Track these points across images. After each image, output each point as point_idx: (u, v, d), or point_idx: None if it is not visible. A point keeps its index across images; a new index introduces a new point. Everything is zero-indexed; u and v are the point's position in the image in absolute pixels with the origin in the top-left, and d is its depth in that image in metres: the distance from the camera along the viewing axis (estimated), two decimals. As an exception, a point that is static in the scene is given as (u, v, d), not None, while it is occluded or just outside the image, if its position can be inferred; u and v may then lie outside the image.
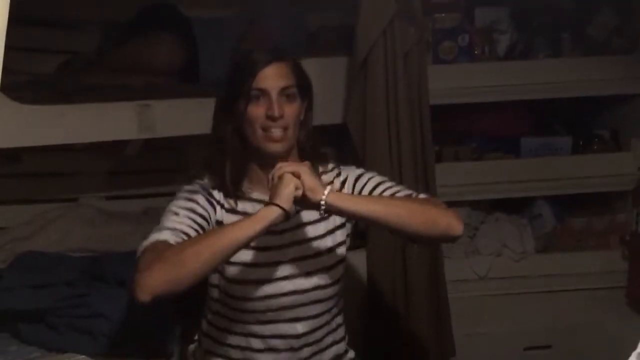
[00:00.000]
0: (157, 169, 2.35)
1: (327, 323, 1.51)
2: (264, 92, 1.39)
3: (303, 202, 1.30)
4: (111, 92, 1.93)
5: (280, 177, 1.29)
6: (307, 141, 1.47)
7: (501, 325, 2.35)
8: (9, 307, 1.82)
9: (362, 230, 1.96)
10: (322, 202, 1.28)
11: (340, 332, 1.57)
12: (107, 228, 2.25)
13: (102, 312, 1.81)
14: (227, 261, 1.36)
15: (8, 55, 0.84)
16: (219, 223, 1.43)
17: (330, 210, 1.30)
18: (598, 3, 2.42)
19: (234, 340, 1.48)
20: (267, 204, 1.28)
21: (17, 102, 1.72)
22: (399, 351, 2.06)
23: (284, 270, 1.45)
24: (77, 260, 2.09)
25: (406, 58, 2.01)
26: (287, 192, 1.26)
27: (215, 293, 1.49)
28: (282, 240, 1.46)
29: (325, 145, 1.66)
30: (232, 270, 1.44)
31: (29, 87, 1.94)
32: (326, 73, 1.99)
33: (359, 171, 1.52)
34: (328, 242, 1.48)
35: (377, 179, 1.49)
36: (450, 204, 2.33)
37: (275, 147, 1.40)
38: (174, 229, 1.32)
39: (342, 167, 1.53)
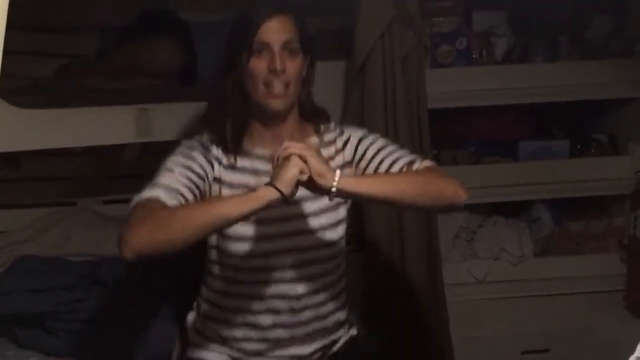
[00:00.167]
0: (155, 172, 2.34)
1: (329, 286, 1.48)
2: (266, 46, 1.37)
3: (311, 186, 1.25)
4: (110, 96, 1.93)
5: (286, 159, 1.23)
6: (309, 99, 1.46)
7: (499, 329, 2.35)
8: (7, 312, 1.81)
9: (359, 231, 1.96)
10: (333, 189, 1.24)
11: (342, 299, 1.53)
12: (105, 232, 2.25)
13: (100, 317, 1.81)
14: (216, 232, 1.34)
15: (6, 59, 0.84)
16: (217, 180, 1.41)
17: (340, 195, 1.26)
18: (595, 7, 2.42)
19: (233, 302, 1.46)
20: (267, 184, 1.23)
21: (15, 106, 1.72)
22: (397, 355, 2.06)
23: (284, 226, 1.42)
24: (76, 265, 2.09)
25: (404, 62, 2.01)
26: (290, 176, 1.21)
27: (214, 254, 1.46)
28: None
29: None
30: (231, 228, 1.39)
31: (28, 91, 1.94)
32: (324, 77, 1.99)
33: (362, 132, 1.50)
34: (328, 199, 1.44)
35: (380, 142, 1.47)
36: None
37: (277, 104, 1.39)
38: (167, 187, 1.30)
39: (344, 126, 1.52)
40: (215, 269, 1.48)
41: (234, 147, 1.41)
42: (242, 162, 1.43)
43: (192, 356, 1.53)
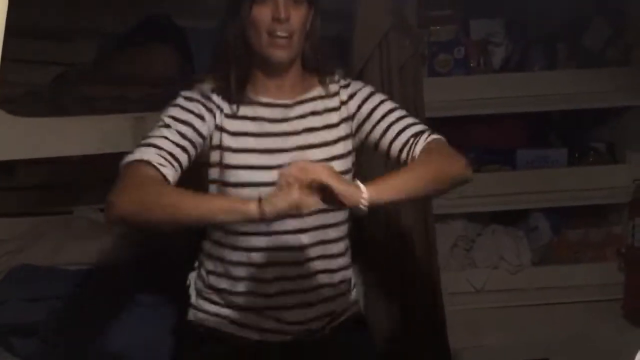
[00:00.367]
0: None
1: (333, 241, 1.44)
2: None
3: (339, 206, 1.22)
4: (107, 104, 1.93)
5: (288, 185, 1.17)
6: (313, 52, 1.43)
7: (498, 338, 2.34)
8: (2, 321, 1.80)
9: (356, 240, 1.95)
10: (363, 207, 1.22)
11: (347, 258, 1.50)
12: (101, 240, 2.24)
13: (96, 326, 1.80)
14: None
15: (3, 67, 0.83)
16: (219, 128, 1.39)
17: (372, 207, 1.23)
18: (592, 15, 2.43)
19: (236, 255, 1.42)
20: (258, 201, 1.19)
21: (12, 114, 1.71)
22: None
23: (286, 158, 1.37)
24: (71, 274, 2.07)
25: (401, 70, 2.01)
26: (281, 207, 1.17)
27: None
28: (285, 128, 1.41)
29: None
30: (233, 176, 1.37)
31: (25, 99, 1.94)
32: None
33: (368, 90, 1.48)
34: (332, 135, 1.43)
35: (387, 105, 1.44)
36: (447, 217, 2.37)
37: (280, 54, 1.37)
38: (161, 149, 1.29)
39: (352, 80, 1.50)
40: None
41: (237, 95, 1.40)
42: (244, 110, 1.41)
43: (192, 320, 1.49)
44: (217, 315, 1.46)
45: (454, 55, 2.37)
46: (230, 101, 1.40)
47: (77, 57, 2.29)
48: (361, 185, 1.23)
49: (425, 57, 2.30)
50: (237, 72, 1.39)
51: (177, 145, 1.32)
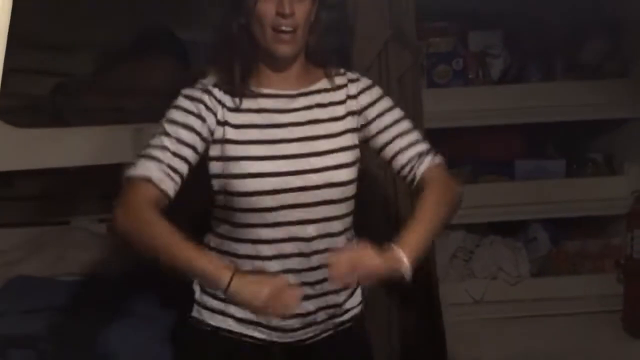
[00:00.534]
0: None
1: (338, 233, 1.43)
2: None
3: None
4: (107, 115, 1.93)
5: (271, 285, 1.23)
6: (317, 44, 1.43)
7: (497, 349, 2.33)
8: (0, 332, 1.79)
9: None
10: (408, 275, 1.32)
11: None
12: (99, 251, 2.24)
13: (94, 338, 1.79)
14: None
15: (3, 78, 0.83)
16: (223, 123, 1.38)
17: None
18: (590, 28, 2.44)
19: (241, 248, 1.41)
20: (233, 273, 1.24)
21: (12, 125, 1.71)
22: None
23: (294, 163, 1.37)
24: (69, 285, 2.07)
25: (401, 82, 2.02)
26: (245, 298, 1.23)
27: (221, 198, 1.42)
28: (290, 119, 1.41)
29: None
30: (238, 167, 1.37)
31: (24, 110, 1.94)
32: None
33: (379, 92, 1.48)
34: (338, 127, 1.43)
35: (394, 114, 1.47)
36: (446, 227, 2.37)
37: (284, 49, 1.37)
38: (160, 162, 1.32)
39: (360, 75, 1.50)
40: (222, 213, 1.44)
41: (240, 88, 1.39)
42: (247, 102, 1.40)
43: (196, 318, 1.47)
44: (221, 312, 1.45)
45: (453, 67, 2.38)
46: (233, 94, 1.40)
47: (77, 68, 2.29)
48: (403, 258, 1.31)
49: (424, 68, 2.31)
50: (240, 64, 1.39)
51: (177, 155, 1.34)
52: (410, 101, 2.05)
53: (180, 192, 1.35)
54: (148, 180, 1.31)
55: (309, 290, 1.41)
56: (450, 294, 2.25)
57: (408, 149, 1.45)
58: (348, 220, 1.46)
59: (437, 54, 2.36)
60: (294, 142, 1.40)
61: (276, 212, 1.37)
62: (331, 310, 1.47)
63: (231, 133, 1.39)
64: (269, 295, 1.23)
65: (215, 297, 1.45)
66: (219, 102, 1.39)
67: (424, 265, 2.08)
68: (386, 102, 1.49)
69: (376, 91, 1.49)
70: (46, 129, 1.80)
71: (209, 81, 1.41)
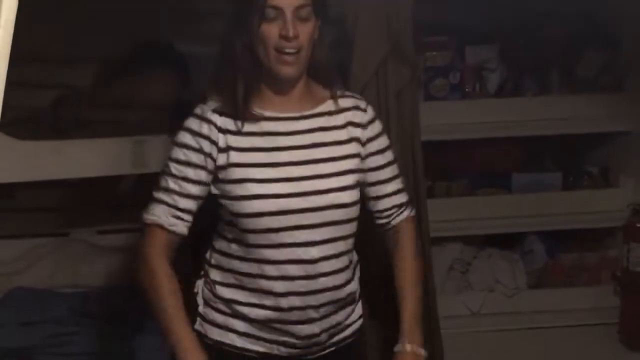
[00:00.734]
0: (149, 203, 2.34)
1: (342, 254, 1.44)
2: (278, 10, 1.34)
3: None
4: (106, 127, 1.94)
5: None
6: (321, 61, 1.44)
7: (494, 362, 2.34)
8: (-2, 345, 1.80)
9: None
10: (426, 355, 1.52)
11: (355, 270, 1.50)
12: (97, 263, 2.24)
13: (91, 350, 1.79)
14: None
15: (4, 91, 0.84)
16: (226, 149, 1.39)
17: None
18: (586, 42, 2.47)
19: (245, 267, 1.41)
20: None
21: (12, 137, 1.72)
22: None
23: (299, 185, 1.38)
24: (67, 297, 2.07)
25: (398, 96, 2.03)
26: None
27: (227, 215, 1.43)
28: (293, 142, 1.42)
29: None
30: (244, 189, 1.39)
31: (24, 122, 1.95)
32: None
33: (378, 128, 1.50)
34: (343, 151, 1.45)
35: (387, 156, 1.51)
36: (443, 239, 2.38)
37: (288, 71, 1.37)
38: (170, 206, 1.39)
39: (367, 104, 1.51)
40: (226, 231, 1.44)
41: (243, 110, 1.40)
42: (250, 125, 1.41)
43: (198, 331, 1.47)
44: (224, 326, 1.46)
45: (450, 80, 2.39)
46: (235, 117, 1.40)
47: (78, 81, 2.30)
48: (420, 351, 1.50)
49: (422, 81, 2.33)
50: (243, 85, 1.40)
51: (185, 195, 1.40)
52: (408, 114, 2.06)
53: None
54: (160, 226, 1.39)
55: (313, 314, 1.43)
56: (447, 306, 2.25)
57: (392, 197, 1.52)
58: (350, 242, 1.47)
59: (435, 67, 2.38)
60: (298, 165, 1.41)
61: (281, 233, 1.38)
62: (334, 330, 1.49)
63: (235, 157, 1.40)
64: None
65: (218, 310, 1.46)
66: (220, 129, 1.40)
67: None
68: (384, 140, 1.51)
69: (378, 125, 1.51)
70: (47, 141, 1.80)
71: (209, 106, 1.41)
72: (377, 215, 1.53)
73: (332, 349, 1.50)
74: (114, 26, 2.23)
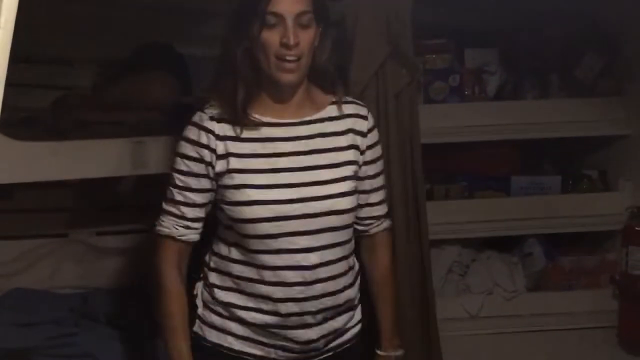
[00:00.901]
0: (149, 204, 2.34)
1: (339, 260, 1.44)
2: (279, 18, 1.33)
3: None
4: (106, 128, 1.94)
5: None
6: (322, 67, 1.43)
7: (493, 365, 2.34)
8: (-4, 346, 1.79)
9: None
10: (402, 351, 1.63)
11: (352, 276, 1.50)
12: (97, 264, 2.24)
13: (91, 352, 1.79)
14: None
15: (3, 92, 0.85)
16: (226, 155, 1.39)
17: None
18: (585, 45, 2.47)
19: (245, 271, 1.42)
20: None
21: (11, 138, 1.72)
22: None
23: (298, 191, 1.39)
24: (66, 298, 2.07)
25: (397, 98, 2.03)
26: None
27: (225, 220, 1.44)
28: (292, 148, 1.42)
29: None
30: (243, 194, 1.39)
31: (24, 123, 1.95)
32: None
33: (376, 136, 1.51)
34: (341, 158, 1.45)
35: (377, 166, 1.53)
36: (442, 242, 2.39)
37: (288, 78, 1.37)
38: (178, 217, 1.43)
39: (368, 112, 1.51)
40: (226, 235, 1.45)
41: (242, 116, 1.40)
42: (249, 131, 1.41)
43: (197, 333, 1.49)
44: (222, 329, 1.46)
45: (449, 83, 2.40)
46: (234, 123, 1.40)
47: (77, 82, 2.31)
48: (400, 352, 1.61)
49: (421, 84, 2.33)
50: (243, 90, 1.39)
51: (191, 205, 1.43)
52: (407, 117, 2.07)
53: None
54: (171, 237, 1.44)
55: (310, 320, 1.43)
56: (446, 309, 2.26)
57: (375, 206, 1.55)
58: (348, 247, 1.48)
59: (434, 70, 2.38)
60: (297, 171, 1.41)
61: (280, 239, 1.39)
62: (332, 336, 1.49)
63: (235, 162, 1.40)
64: None
65: (216, 313, 1.47)
66: (218, 137, 1.40)
67: (420, 279, 2.11)
68: (378, 150, 1.53)
69: (376, 134, 1.52)
70: (46, 142, 1.80)
71: (207, 113, 1.41)
72: (356, 222, 1.53)
73: (331, 353, 1.50)
74: (114, 27, 2.24)
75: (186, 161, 1.41)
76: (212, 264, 1.49)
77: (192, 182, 1.41)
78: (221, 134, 1.40)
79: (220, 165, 1.40)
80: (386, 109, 2.01)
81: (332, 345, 1.50)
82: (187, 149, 1.41)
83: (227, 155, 1.40)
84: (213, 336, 1.47)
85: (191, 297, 1.49)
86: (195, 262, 1.52)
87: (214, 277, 1.47)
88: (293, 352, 1.45)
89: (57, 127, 1.94)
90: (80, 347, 1.79)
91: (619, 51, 2.45)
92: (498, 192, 2.49)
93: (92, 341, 1.80)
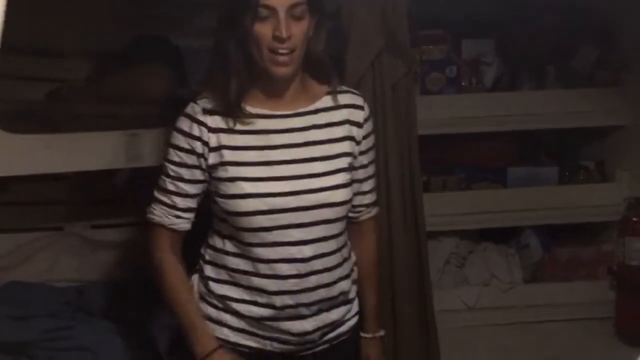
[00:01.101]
0: (144, 197, 2.33)
1: (334, 252, 1.45)
2: (271, 10, 1.32)
3: None
4: (100, 121, 1.93)
5: None
6: (317, 58, 1.43)
7: (490, 356, 2.34)
8: (-9, 339, 1.79)
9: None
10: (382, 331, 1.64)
11: (346, 268, 1.50)
12: (92, 257, 2.24)
13: (87, 345, 1.79)
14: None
15: (-2, 84, 0.84)
16: (219, 148, 1.39)
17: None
18: (582, 36, 2.46)
19: (240, 264, 1.42)
20: (218, 348, 1.42)
21: (5, 131, 1.71)
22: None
23: (292, 184, 1.39)
24: (62, 291, 2.07)
25: (394, 89, 2.03)
26: None
27: (219, 213, 1.44)
28: (287, 140, 1.42)
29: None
30: (238, 187, 1.39)
31: (18, 115, 1.94)
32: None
33: (370, 126, 1.52)
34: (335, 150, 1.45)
35: (370, 156, 1.53)
36: (439, 234, 2.39)
37: (282, 70, 1.37)
38: (170, 207, 1.43)
39: (364, 102, 1.51)
40: (221, 228, 1.45)
41: (235, 109, 1.39)
42: (242, 124, 1.40)
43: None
44: (217, 321, 1.46)
45: (446, 74, 2.39)
46: (228, 116, 1.40)
47: (71, 74, 2.29)
48: (382, 332, 1.62)
49: (418, 75, 2.33)
50: (237, 83, 1.39)
51: (182, 195, 1.43)
52: (403, 108, 2.07)
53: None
54: (161, 225, 1.45)
55: (305, 311, 1.43)
56: (443, 301, 2.26)
57: (366, 195, 1.56)
58: (342, 239, 1.48)
59: (431, 61, 2.38)
60: (291, 163, 1.41)
61: (274, 231, 1.39)
62: (328, 329, 1.49)
63: (228, 155, 1.40)
64: None
65: (212, 305, 1.47)
66: (211, 129, 1.40)
67: (417, 271, 2.11)
68: (372, 140, 1.53)
69: (371, 124, 1.53)
70: (40, 135, 1.79)
71: (200, 104, 1.41)
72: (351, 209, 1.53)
73: (327, 345, 1.50)
74: (109, 19, 2.23)
75: (178, 152, 1.42)
76: (207, 257, 1.48)
77: (184, 172, 1.42)
78: (214, 126, 1.40)
79: (213, 158, 1.40)
80: (383, 100, 2.01)
81: (328, 337, 1.50)
82: (179, 140, 1.42)
83: (220, 147, 1.40)
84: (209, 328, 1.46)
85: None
86: (191, 255, 1.52)
87: (209, 270, 1.47)
88: (288, 344, 1.45)
89: (52, 120, 1.93)
90: (77, 340, 1.79)
91: (614, 42, 2.44)
92: (495, 184, 2.49)
93: (88, 334, 1.80)
